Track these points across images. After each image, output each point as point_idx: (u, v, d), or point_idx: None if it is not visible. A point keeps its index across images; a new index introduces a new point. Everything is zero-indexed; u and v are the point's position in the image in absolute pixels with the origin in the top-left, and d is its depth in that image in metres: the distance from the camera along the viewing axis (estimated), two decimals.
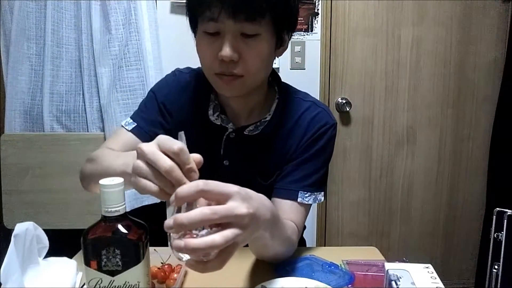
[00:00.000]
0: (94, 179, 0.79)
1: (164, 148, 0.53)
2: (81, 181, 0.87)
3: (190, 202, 0.51)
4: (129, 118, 0.92)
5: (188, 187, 0.49)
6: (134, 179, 0.55)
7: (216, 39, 0.76)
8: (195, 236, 0.49)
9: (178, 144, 0.52)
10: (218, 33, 0.75)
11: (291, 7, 0.80)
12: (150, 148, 0.53)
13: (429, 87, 1.99)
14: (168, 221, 0.48)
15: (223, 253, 0.50)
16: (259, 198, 0.58)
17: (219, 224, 0.50)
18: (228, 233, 0.49)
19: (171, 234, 0.50)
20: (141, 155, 0.54)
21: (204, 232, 0.49)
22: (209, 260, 0.50)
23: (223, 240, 0.48)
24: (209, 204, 0.51)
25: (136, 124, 0.89)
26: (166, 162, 0.51)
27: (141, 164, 0.54)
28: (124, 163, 0.65)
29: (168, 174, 0.51)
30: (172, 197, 0.50)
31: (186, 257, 0.51)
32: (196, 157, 0.54)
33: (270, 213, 0.60)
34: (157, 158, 0.52)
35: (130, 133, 0.88)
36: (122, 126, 0.91)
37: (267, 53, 0.79)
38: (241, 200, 0.51)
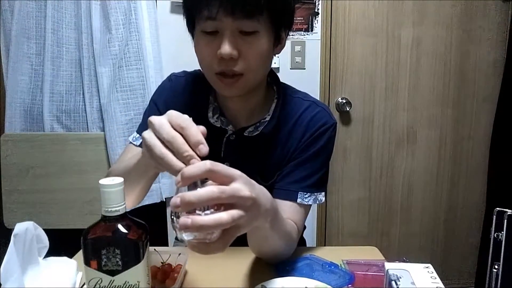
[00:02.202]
0: None
1: (172, 122, 0.54)
2: None
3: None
4: (135, 133, 0.92)
5: (196, 166, 0.49)
6: (143, 150, 0.57)
7: (214, 38, 0.76)
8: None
9: (184, 119, 0.54)
10: (217, 32, 0.76)
11: (288, 4, 0.80)
12: (159, 119, 0.55)
13: (429, 87, 1.99)
14: (175, 200, 0.48)
15: (226, 235, 0.51)
16: (260, 187, 0.59)
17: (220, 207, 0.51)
18: (234, 212, 0.49)
19: (173, 216, 0.50)
20: (150, 126, 0.55)
21: (208, 212, 0.50)
22: (211, 242, 0.50)
23: (229, 218, 0.48)
24: None
25: None
26: (169, 132, 0.53)
27: (148, 134, 0.55)
28: (139, 157, 0.68)
29: (170, 144, 0.52)
30: (178, 177, 0.49)
31: (188, 238, 0.51)
32: (201, 129, 0.55)
33: (270, 203, 0.61)
34: (162, 128, 0.53)
35: (140, 148, 0.86)
36: (130, 142, 0.91)
37: (266, 50, 0.79)
38: (244, 183, 0.52)
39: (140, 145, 0.88)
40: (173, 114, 0.55)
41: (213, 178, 0.51)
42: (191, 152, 0.52)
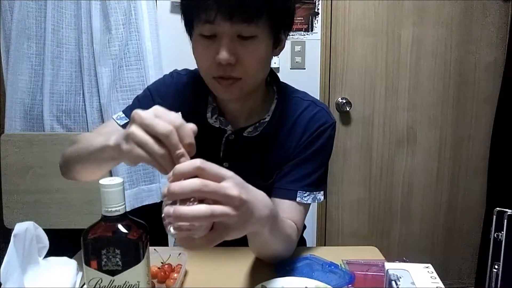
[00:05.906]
0: (74, 159, 0.77)
1: (163, 119, 0.52)
2: (60, 167, 0.84)
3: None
4: (120, 112, 0.89)
5: (186, 164, 0.50)
6: (126, 147, 0.54)
7: (212, 42, 0.75)
8: None
9: (179, 118, 0.52)
10: (215, 36, 0.74)
11: (287, 7, 0.79)
12: (148, 114, 0.53)
13: (429, 87, 1.99)
14: (164, 190, 0.49)
15: (213, 233, 0.51)
16: (257, 193, 0.58)
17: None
18: (216, 207, 0.49)
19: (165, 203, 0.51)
20: (137, 120, 0.53)
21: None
22: (197, 238, 0.51)
23: (208, 211, 0.48)
24: None
25: (128, 119, 0.87)
26: (165, 127, 0.51)
27: (136, 129, 0.53)
28: (106, 138, 0.62)
29: (167, 138, 0.51)
30: (170, 174, 0.50)
31: (174, 232, 0.51)
32: (193, 128, 0.54)
33: (268, 210, 0.60)
34: (156, 123, 0.52)
35: (121, 128, 0.85)
36: (113, 119, 0.88)
37: (264, 55, 0.78)
38: (234, 183, 0.51)
39: (122, 126, 0.85)
40: (160, 110, 0.54)
41: (203, 176, 0.51)
42: (183, 150, 0.52)
